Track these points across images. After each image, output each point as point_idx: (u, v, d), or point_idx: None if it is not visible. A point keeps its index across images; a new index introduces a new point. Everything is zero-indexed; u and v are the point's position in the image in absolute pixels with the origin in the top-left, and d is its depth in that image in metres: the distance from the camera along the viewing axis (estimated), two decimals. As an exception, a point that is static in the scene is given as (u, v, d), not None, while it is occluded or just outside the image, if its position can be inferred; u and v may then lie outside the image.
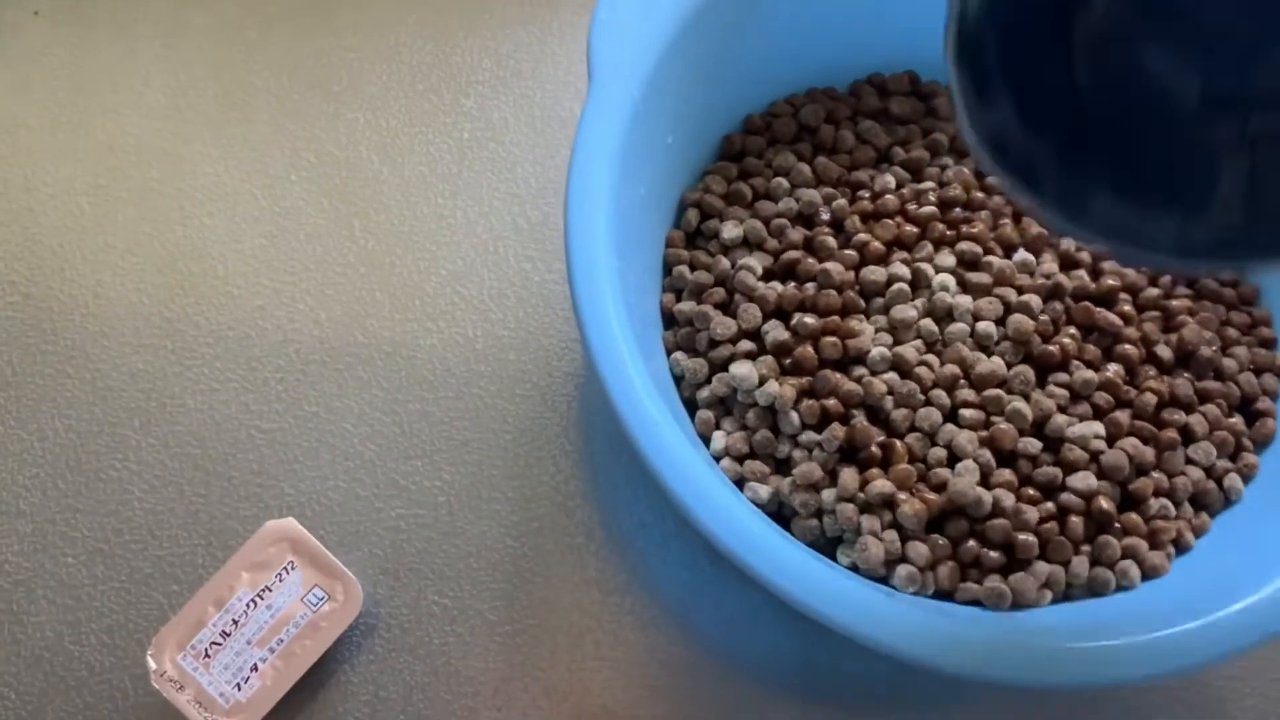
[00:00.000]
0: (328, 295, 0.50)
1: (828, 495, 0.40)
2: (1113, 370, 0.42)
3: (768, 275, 0.44)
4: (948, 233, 0.45)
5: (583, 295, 0.37)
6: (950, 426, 0.41)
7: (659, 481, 0.35)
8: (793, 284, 0.44)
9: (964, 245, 0.44)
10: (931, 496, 0.40)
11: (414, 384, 0.49)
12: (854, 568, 0.39)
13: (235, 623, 0.42)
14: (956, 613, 0.38)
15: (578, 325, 0.37)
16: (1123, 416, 0.41)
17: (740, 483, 0.41)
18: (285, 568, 0.43)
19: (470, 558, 0.46)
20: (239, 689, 0.42)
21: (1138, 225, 0.27)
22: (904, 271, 0.43)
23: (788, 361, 0.42)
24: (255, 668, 0.42)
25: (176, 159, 0.53)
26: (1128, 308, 0.43)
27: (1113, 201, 0.27)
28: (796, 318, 0.42)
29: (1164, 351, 0.43)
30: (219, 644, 0.42)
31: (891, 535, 0.39)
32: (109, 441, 0.48)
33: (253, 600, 0.43)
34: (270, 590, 0.43)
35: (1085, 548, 0.40)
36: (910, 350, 0.42)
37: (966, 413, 0.41)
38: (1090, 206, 0.28)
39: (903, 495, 0.40)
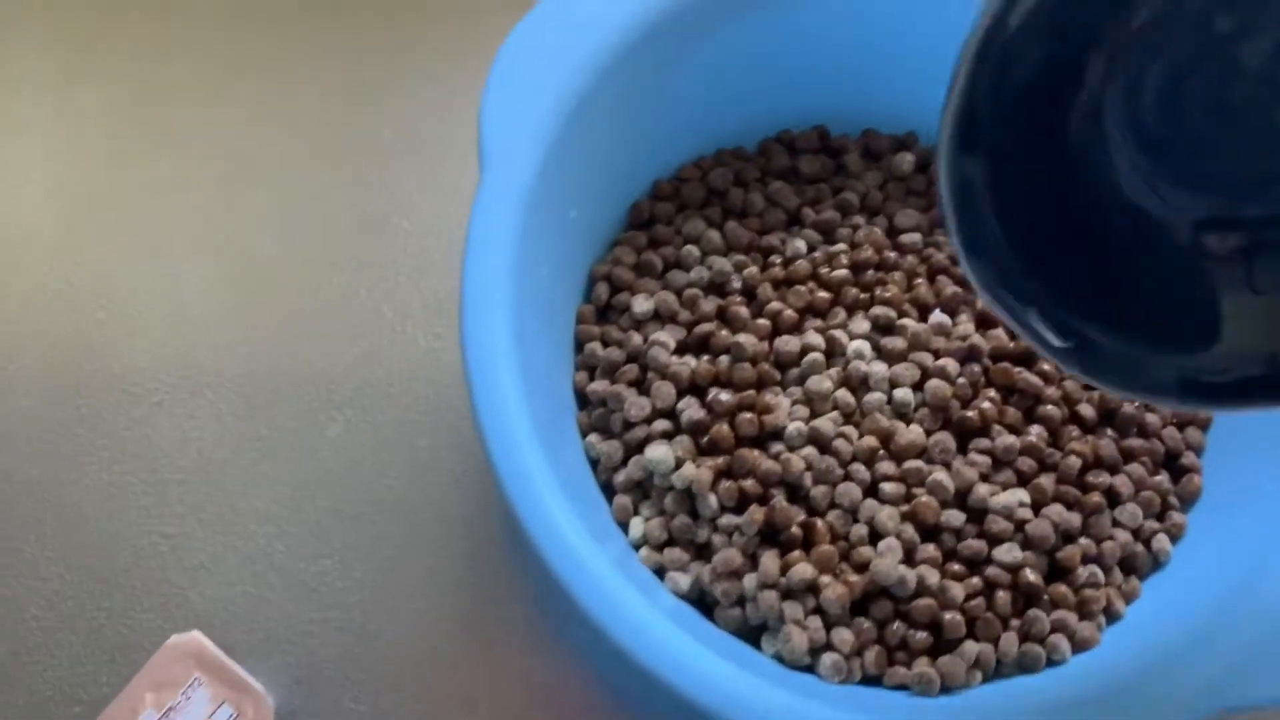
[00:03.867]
0: (228, 389, 0.48)
1: (749, 582, 0.39)
2: (1035, 433, 0.41)
3: (681, 349, 0.43)
4: (861, 296, 0.44)
5: (482, 405, 0.36)
6: (871, 502, 0.40)
7: (568, 595, 0.34)
8: (706, 358, 0.42)
9: (878, 310, 0.43)
10: (854, 578, 0.38)
11: (321, 478, 0.47)
12: (779, 658, 0.38)
13: (139, 749, 0.40)
14: (884, 699, 0.37)
15: (477, 435, 0.36)
16: (1046, 481, 0.40)
17: (660, 572, 0.40)
18: (191, 685, 0.41)
19: (388, 660, 0.44)
20: (145, 820, 0.40)
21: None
22: (818, 340, 0.42)
23: (704, 440, 0.41)
24: (162, 796, 0.40)
25: (64, 252, 0.51)
26: (1048, 366, 0.42)
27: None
28: (712, 393, 0.41)
29: (1087, 410, 0.42)
30: (123, 773, 0.40)
31: (815, 622, 0.38)
32: (3, 559, 0.45)
33: (157, 723, 0.41)
34: (175, 710, 0.41)
35: (1014, 623, 0.39)
36: (827, 423, 0.41)
37: (887, 486, 0.40)
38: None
39: (825, 579, 0.38)
